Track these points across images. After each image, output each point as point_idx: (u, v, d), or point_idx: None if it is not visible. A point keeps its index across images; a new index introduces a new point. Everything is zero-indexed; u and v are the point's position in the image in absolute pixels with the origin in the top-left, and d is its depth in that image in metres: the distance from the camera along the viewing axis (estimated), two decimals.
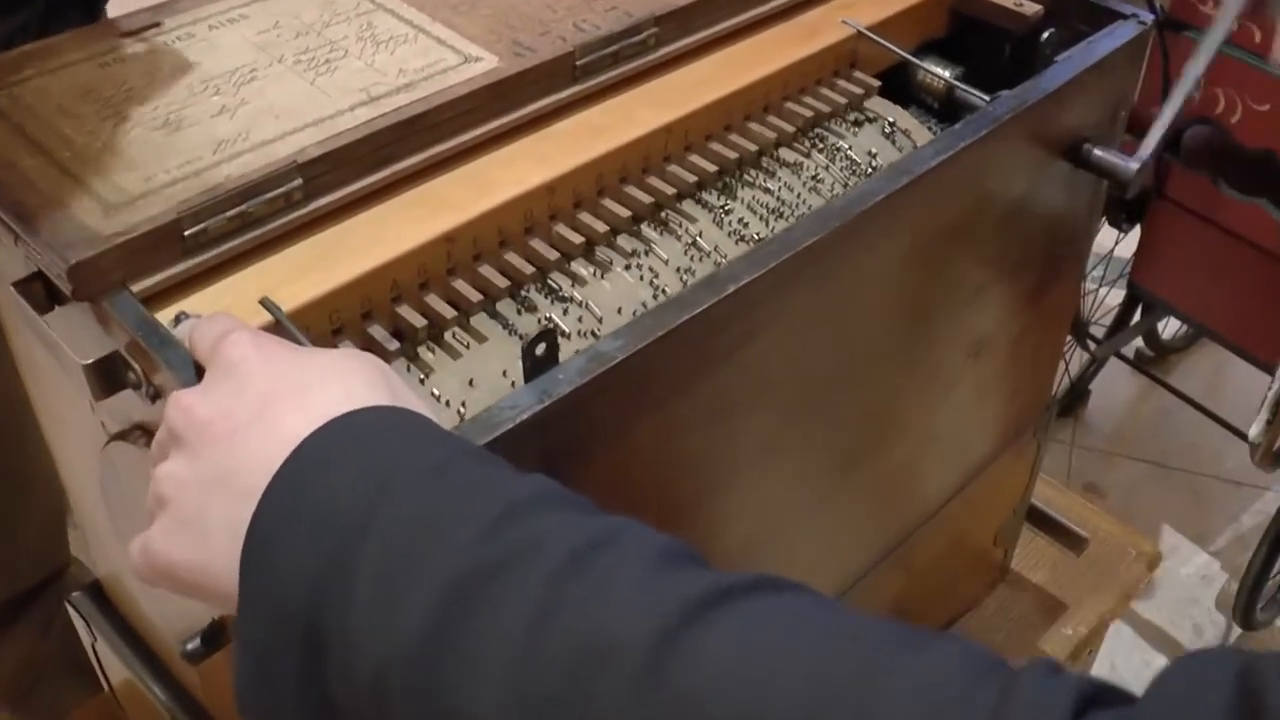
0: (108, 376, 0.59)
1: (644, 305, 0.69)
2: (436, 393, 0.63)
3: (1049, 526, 1.25)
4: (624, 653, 0.38)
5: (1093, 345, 1.87)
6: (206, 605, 0.48)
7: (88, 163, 0.63)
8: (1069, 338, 1.83)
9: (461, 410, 0.63)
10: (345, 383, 0.48)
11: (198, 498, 0.47)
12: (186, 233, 0.60)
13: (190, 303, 0.61)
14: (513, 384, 0.63)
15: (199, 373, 0.53)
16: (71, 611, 0.92)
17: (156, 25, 0.73)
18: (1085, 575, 1.20)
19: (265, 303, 0.60)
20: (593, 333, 0.67)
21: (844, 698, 0.36)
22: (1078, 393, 2.05)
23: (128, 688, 0.95)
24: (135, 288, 0.59)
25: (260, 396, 0.47)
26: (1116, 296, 1.93)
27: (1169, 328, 2.09)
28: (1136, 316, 1.91)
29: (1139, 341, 2.05)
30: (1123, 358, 1.99)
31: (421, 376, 0.64)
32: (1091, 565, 1.21)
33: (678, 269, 0.71)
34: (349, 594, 0.41)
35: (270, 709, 0.44)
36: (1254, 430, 1.49)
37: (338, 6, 0.75)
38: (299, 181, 0.64)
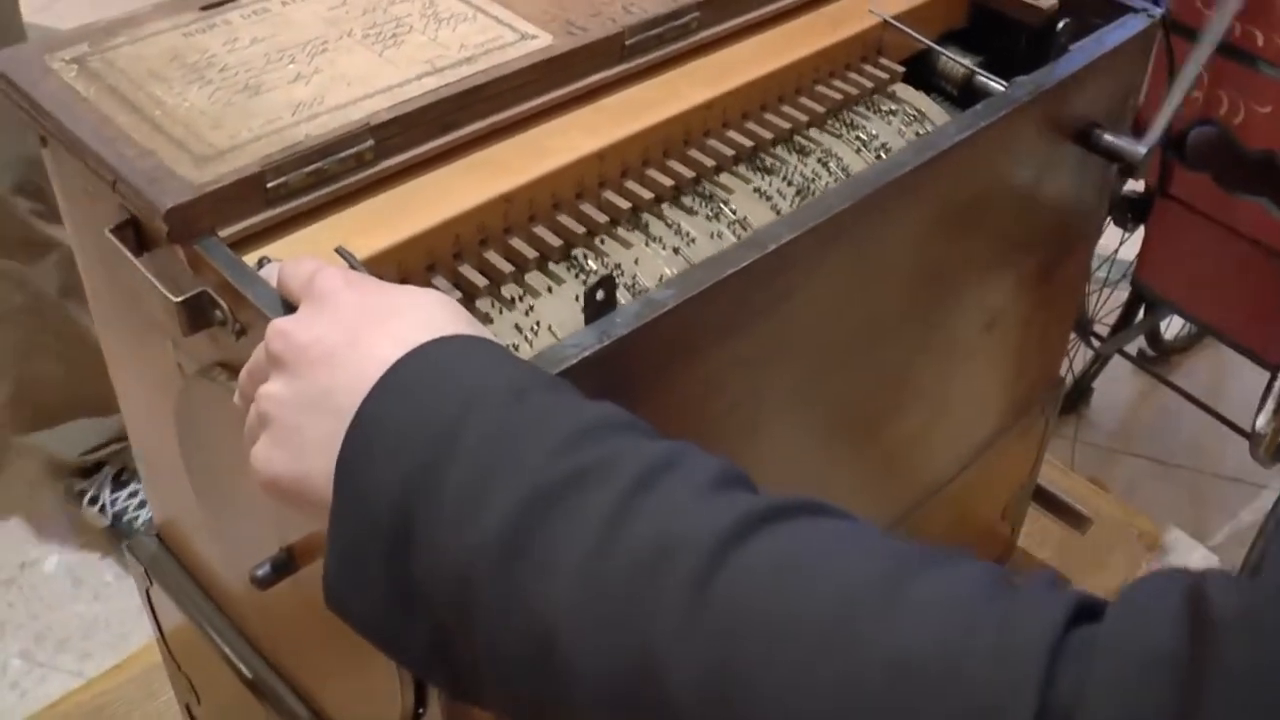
0: (196, 314, 0.64)
1: (683, 267, 0.74)
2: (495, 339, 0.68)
3: (1055, 506, 1.30)
4: (682, 557, 0.43)
5: (1096, 343, 1.91)
6: (305, 515, 0.52)
7: (178, 120, 0.68)
8: (1073, 335, 1.88)
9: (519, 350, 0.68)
10: (429, 312, 0.53)
11: (296, 416, 0.51)
12: (269, 184, 0.65)
13: (271, 249, 0.66)
14: (550, 330, 0.68)
15: (285, 309, 0.58)
16: (128, 556, 0.97)
17: (233, 1, 0.78)
18: (1090, 552, 1.25)
19: (340, 251, 0.65)
20: (636, 292, 0.72)
21: (874, 600, 0.41)
22: (1081, 390, 2.09)
23: (180, 633, 0.99)
24: (222, 234, 0.64)
25: (353, 323, 0.52)
26: (1120, 296, 1.97)
27: (1172, 327, 2.13)
28: (1140, 315, 1.95)
29: (1142, 340, 2.09)
30: (1126, 356, 2.03)
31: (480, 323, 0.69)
32: (1095, 543, 1.26)
33: (712, 234, 0.77)
34: (437, 497, 0.46)
35: (356, 600, 0.49)
36: (1261, 420, 1.53)
37: None
38: (371, 142, 0.69)
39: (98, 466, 1.66)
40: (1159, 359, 2.14)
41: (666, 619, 0.42)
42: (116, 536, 1.68)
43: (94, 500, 1.68)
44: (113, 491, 1.67)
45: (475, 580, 0.45)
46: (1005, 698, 0.37)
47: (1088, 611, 0.39)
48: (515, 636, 0.45)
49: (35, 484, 1.77)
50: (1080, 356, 2.02)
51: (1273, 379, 1.66)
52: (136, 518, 1.66)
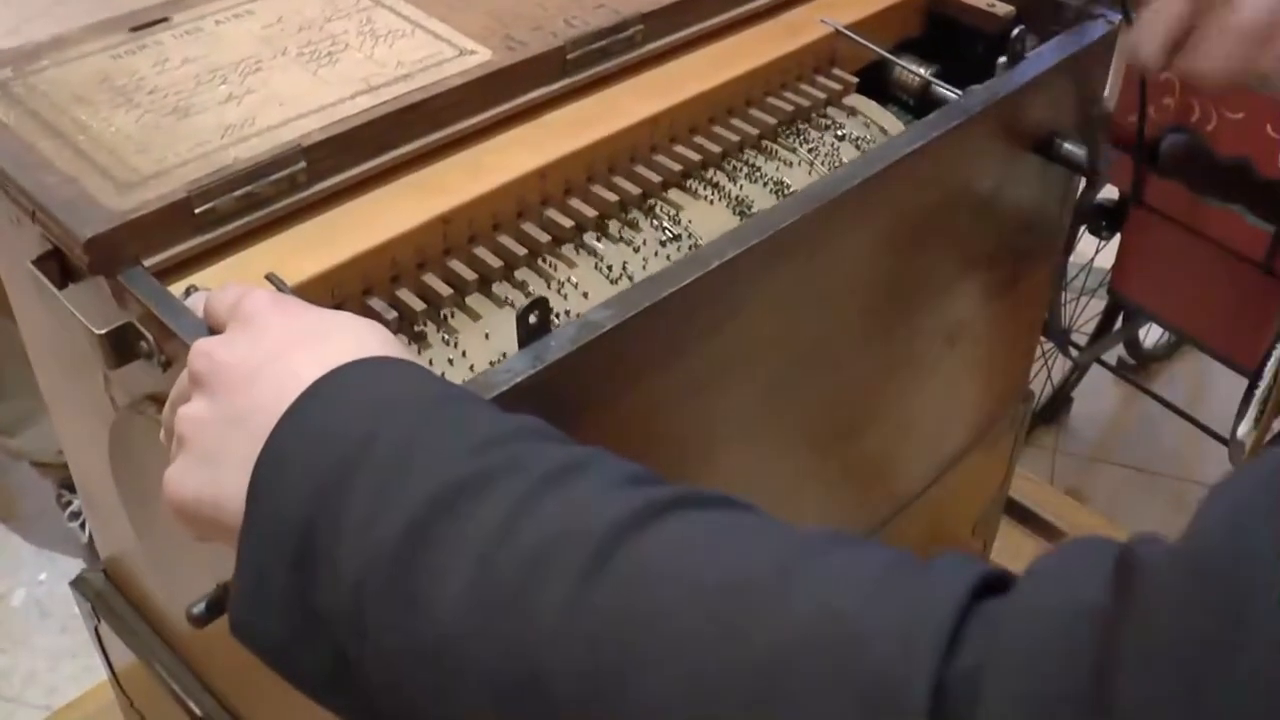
0: (121, 347, 0.62)
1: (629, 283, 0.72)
2: (432, 366, 0.66)
3: (1028, 520, 1.28)
4: (573, 547, 0.41)
5: (1075, 353, 1.90)
6: (219, 544, 0.50)
7: (101, 146, 0.66)
8: (1051, 345, 1.87)
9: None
10: (356, 336, 0.51)
11: (215, 436, 0.49)
12: (197, 210, 0.64)
13: (199, 277, 0.64)
14: (503, 356, 0.66)
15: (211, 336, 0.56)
16: (75, 594, 0.95)
17: (165, 20, 0.76)
18: None
19: (271, 278, 0.63)
20: (579, 313, 0.71)
21: (767, 582, 0.39)
22: (1060, 400, 2.08)
23: (131, 671, 0.97)
24: (147, 262, 0.62)
25: (277, 344, 0.50)
26: (1098, 305, 1.96)
27: (1150, 335, 2.12)
28: (1118, 324, 1.94)
29: (1121, 349, 2.08)
30: (1105, 365, 2.02)
31: (418, 350, 0.67)
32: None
33: (661, 254, 0.75)
34: (341, 508, 0.44)
35: (261, 625, 0.47)
36: (1243, 428, 1.51)
37: (338, 3, 0.79)
38: (303, 164, 0.67)
39: None
40: (1138, 367, 2.13)
41: (551, 610, 0.40)
42: (93, 554, 1.66)
43: (75, 515, 1.67)
44: None
45: (370, 590, 0.43)
46: (900, 672, 0.35)
47: (999, 583, 0.38)
48: (408, 645, 0.43)
49: (16, 494, 1.76)
50: (1059, 366, 2.01)
51: (1252, 386, 1.65)
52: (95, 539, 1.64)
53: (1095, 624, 0.34)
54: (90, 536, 1.66)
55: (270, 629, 0.46)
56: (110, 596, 0.93)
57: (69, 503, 1.69)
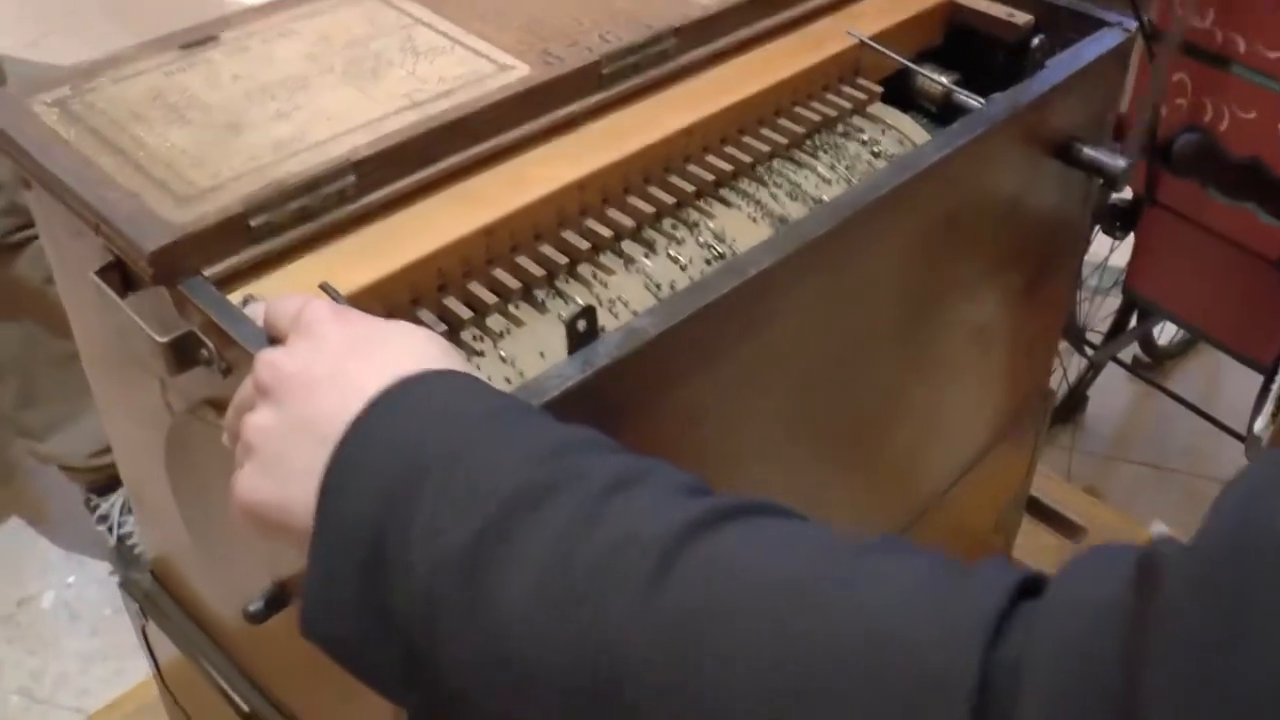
0: (182, 354, 0.64)
1: (670, 290, 0.75)
2: (480, 371, 0.68)
3: (1048, 516, 1.30)
4: (638, 552, 0.43)
5: (1090, 351, 1.91)
6: (286, 546, 0.53)
7: (160, 161, 0.68)
8: (1067, 344, 1.88)
9: (507, 382, 0.68)
10: (415, 346, 0.53)
11: (281, 443, 0.52)
12: (252, 223, 0.66)
13: (256, 287, 0.66)
14: (541, 355, 0.69)
15: (272, 344, 0.58)
16: (123, 595, 0.97)
17: (214, 39, 0.79)
18: None
19: (324, 287, 0.66)
20: (618, 319, 0.73)
21: (823, 583, 0.42)
22: (1076, 398, 2.10)
23: (176, 668, 1.00)
24: (207, 273, 0.65)
25: (338, 354, 0.53)
26: (1112, 303, 1.97)
27: (1165, 333, 2.13)
28: (1132, 322, 1.96)
29: (1135, 347, 2.10)
30: (1120, 363, 2.03)
31: (468, 356, 0.69)
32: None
33: (696, 260, 0.77)
34: (411, 514, 0.47)
35: (333, 625, 0.49)
36: (1259, 423, 1.53)
37: (380, 22, 0.81)
38: (352, 178, 0.69)
39: (113, 483, 1.67)
40: (1153, 365, 2.14)
41: (619, 610, 0.43)
42: (120, 558, 1.69)
43: (104, 519, 1.70)
44: (121, 514, 1.68)
45: (441, 594, 0.46)
46: (948, 664, 0.38)
47: (1037, 586, 0.40)
48: (479, 647, 0.45)
49: (44, 497, 1.78)
50: (1074, 365, 2.03)
51: (1268, 382, 1.66)
52: (139, 544, 1.67)
53: (1121, 619, 0.36)
54: (118, 540, 1.69)
55: (342, 629, 0.48)
56: (158, 596, 0.95)
57: (97, 506, 1.71)
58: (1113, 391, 2.16)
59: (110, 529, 1.70)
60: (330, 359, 0.53)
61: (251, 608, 0.71)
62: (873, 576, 0.42)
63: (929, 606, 0.40)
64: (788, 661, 0.40)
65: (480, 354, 0.69)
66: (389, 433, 0.49)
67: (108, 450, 1.60)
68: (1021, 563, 0.42)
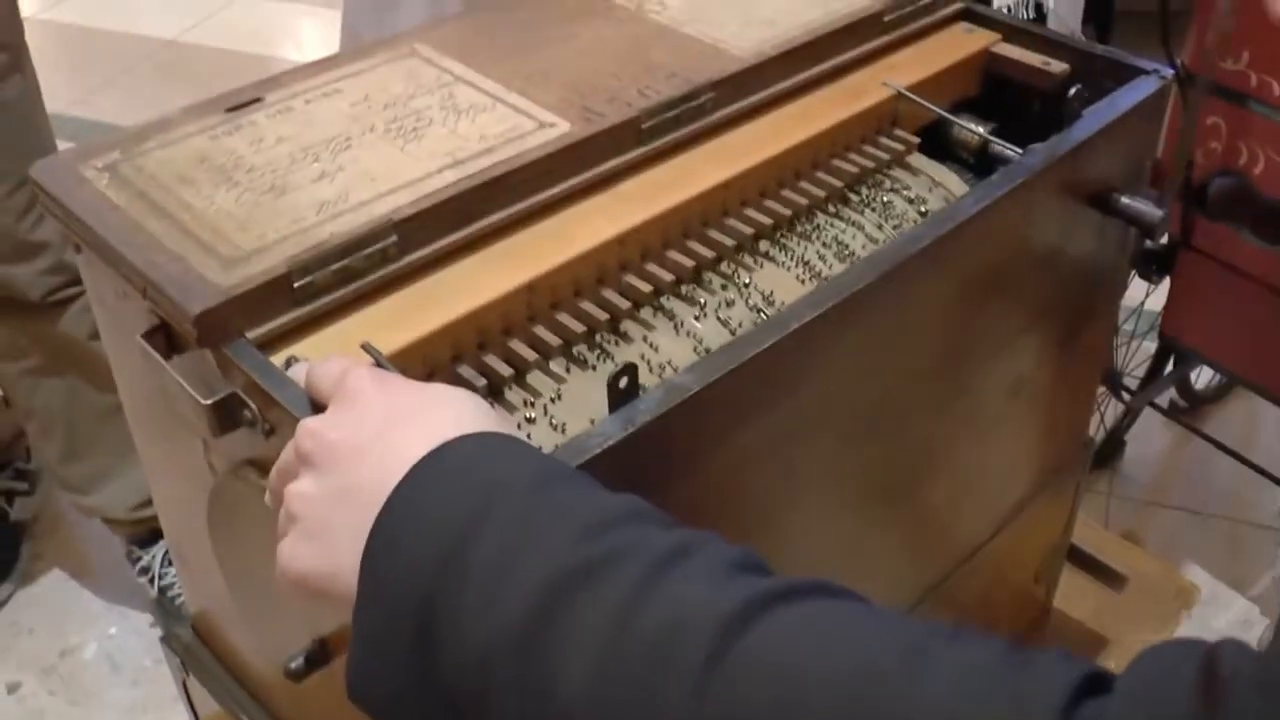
0: (225, 416, 0.65)
1: (705, 347, 0.75)
2: (520, 428, 0.69)
3: (1090, 566, 1.29)
4: (691, 638, 0.43)
5: (1127, 396, 1.90)
6: (331, 610, 0.53)
7: (206, 224, 0.69)
8: (1103, 389, 1.87)
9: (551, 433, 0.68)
10: (457, 410, 0.53)
11: (325, 511, 0.52)
12: (296, 284, 0.67)
13: (298, 348, 0.67)
14: (590, 420, 0.69)
15: (314, 408, 0.59)
16: (164, 649, 0.98)
17: (259, 100, 0.80)
18: (1127, 610, 1.24)
19: (366, 347, 0.66)
20: (660, 375, 0.73)
21: (888, 675, 0.41)
22: (1114, 444, 2.08)
23: None
24: (250, 335, 0.65)
25: (381, 421, 0.53)
26: (1149, 348, 1.96)
27: (1202, 377, 2.12)
28: (1169, 367, 1.95)
29: (1172, 392, 2.08)
30: (1157, 408, 2.02)
31: (506, 416, 0.69)
32: (1133, 601, 1.25)
33: (734, 315, 0.77)
34: (459, 585, 0.47)
35: (381, 688, 0.49)
36: None
37: (421, 80, 0.82)
38: (394, 238, 0.70)
39: (155, 535, 1.68)
40: (1190, 410, 2.12)
41: (675, 703, 0.42)
42: (161, 610, 1.69)
43: (145, 570, 1.71)
44: (162, 566, 1.69)
45: (494, 666, 0.46)
46: None
47: (1100, 683, 0.40)
48: None
49: (87, 549, 1.79)
50: (1111, 410, 2.01)
51: None
52: (180, 595, 1.68)
53: None
54: (159, 591, 1.70)
55: (390, 693, 0.48)
56: (198, 651, 0.95)
57: (139, 558, 1.72)
58: (1150, 437, 2.14)
59: (151, 580, 1.71)
60: (372, 427, 0.53)
61: (293, 665, 0.71)
62: (940, 666, 0.41)
63: (996, 706, 0.39)
64: None
65: (518, 409, 0.69)
66: (431, 499, 0.49)
67: (149, 503, 1.61)
68: (1079, 656, 0.42)
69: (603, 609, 0.45)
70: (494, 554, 0.47)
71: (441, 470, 0.50)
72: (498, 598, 0.46)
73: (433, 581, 0.47)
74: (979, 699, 0.39)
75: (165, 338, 0.69)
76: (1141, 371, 1.97)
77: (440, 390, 0.56)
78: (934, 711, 0.40)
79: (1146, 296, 1.88)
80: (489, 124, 0.78)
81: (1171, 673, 0.38)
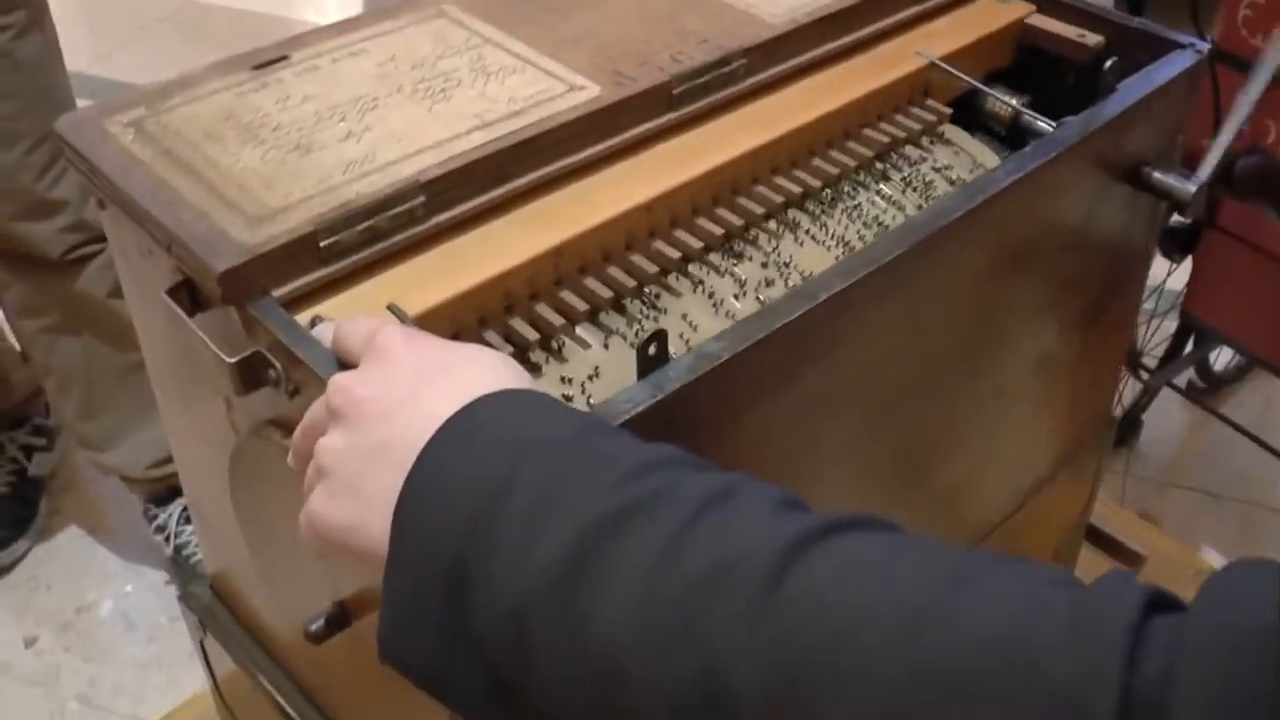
0: (249, 375, 0.64)
1: (731, 316, 0.74)
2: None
3: (1108, 545, 1.28)
4: (742, 571, 0.43)
5: (1145, 375, 1.89)
6: (357, 569, 0.52)
7: (231, 181, 0.69)
8: (1122, 368, 1.86)
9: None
10: (488, 369, 0.53)
11: (355, 467, 0.52)
12: (322, 244, 0.66)
13: (323, 308, 0.66)
14: (595, 373, 0.68)
15: (340, 367, 0.58)
16: (182, 607, 0.98)
17: (285, 58, 0.79)
18: None
19: (392, 308, 0.66)
20: (687, 342, 0.72)
21: (941, 596, 0.41)
22: (1131, 423, 2.07)
23: (233, 683, 1.00)
24: (275, 293, 0.65)
25: (412, 378, 0.52)
26: (1169, 327, 1.95)
27: (1221, 358, 2.11)
28: (1189, 347, 1.94)
29: (1191, 372, 2.07)
30: (1175, 388, 2.01)
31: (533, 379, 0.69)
32: (1149, 581, 1.24)
33: (764, 284, 0.76)
34: (494, 538, 0.46)
35: (413, 649, 0.49)
36: None
37: (450, 41, 0.81)
38: (422, 199, 0.69)
39: (172, 494, 1.69)
40: (1209, 390, 2.11)
41: (729, 631, 0.42)
42: (177, 568, 1.70)
43: (161, 529, 1.71)
44: (179, 524, 1.70)
45: (531, 615, 0.45)
46: (1087, 684, 0.37)
47: (1165, 602, 0.39)
48: (574, 668, 0.45)
49: (104, 506, 1.80)
50: (1129, 389, 2.00)
51: None
52: (195, 554, 1.68)
53: (1272, 645, 0.35)
54: (175, 549, 1.71)
55: (423, 654, 0.48)
56: (216, 610, 0.95)
57: (155, 516, 1.73)
58: (1168, 416, 2.13)
59: (167, 539, 1.72)
60: (404, 384, 0.53)
61: (313, 627, 0.71)
62: (989, 589, 0.41)
63: (1055, 620, 0.39)
64: (912, 680, 0.39)
65: (544, 375, 0.69)
66: (464, 455, 0.49)
67: (166, 461, 1.62)
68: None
69: (647, 545, 0.44)
70: (527, 507, 0.46)
71: (473, 428, 0.50)
72: (532, 547, 0.45)
73: (465, 539, 0.47)
74: (1039, 619, 0.39)
75: (189, 295, 0.68)
76: (1161, 351, 1.96)
77: (471, 349, 0.56)
78: (989, 633, 0.39)
79: (1168, 275, 1.87)
80: (518, 86, 0.77)
81: (1256, 590, 0.37)
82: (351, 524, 0.52)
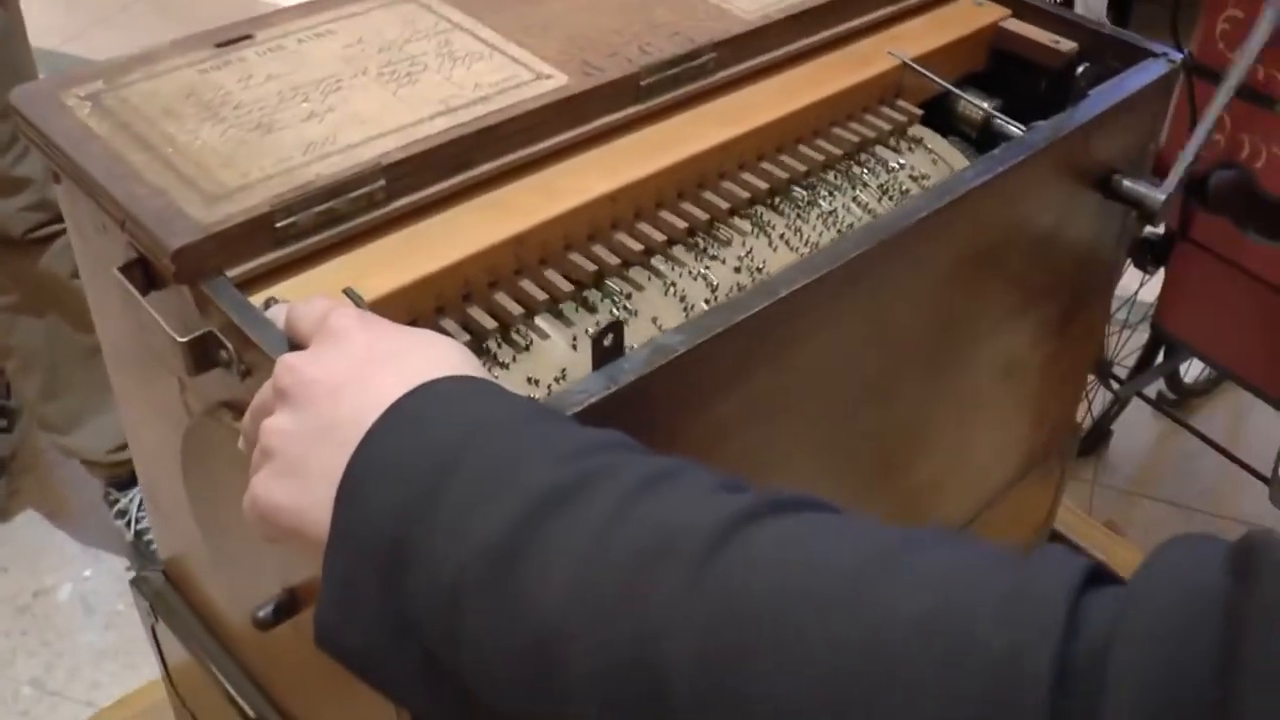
0: (201, 355, 0.63)
1: (693, 311, 0.74)
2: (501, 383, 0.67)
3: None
4: (681, 545, 0.42)
5: (1116, 385, 1.90)
6: (300, 553, 0.52)
7: (189, 158, 0.68)
8: (1092, 377, 1.87)
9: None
10: (440, 353, 0.52)
11: (301, 448, 0.51)
12: (278, 224, 0.65)
13: (279, 290, 0.65)
14: (563, 373, 0.68)
15: (292, 349, 0.57)
16: (134, 591, 0.96)
17: (249, 37, 0.78)
18: None
19: (349, 292, 0.65)
20: (649, 336, 0.72)
21: (879, 569, 0.40)
22: (1100, 432, 2.08)
23: (185, 670, 0.99)
24: (230, 273, 0.64)
25: (362, 360, 0.52)
26: (1140, 338, 1.96)
27: (1191, 370, 2.12)
28: (1159, 358, 1.94)
29: (1161, 383, 2.08)
30: (1145, 399, 2.01)
31: (489, 368, 0.68)
32: None
33: (727, 279, 0.76)
34: (433, 521, 0.46)
35: (349, 634, 0.48)
36: None
37: (418, 25, 0.81)
38: (382, 183, 0.68)
39: (133, 478, 1.67)
40: (1178, 402, 2.12)
41: (664, 601, 0.41)
42: (137, 553, 1.69)
43: (122, 513, 1.70)
44: (140, 509, 1.68)
45: (468, 595, 0.44)
46: (1020, 657, 0.36)
47: (1106, 576, 0.39)
48: (509, 647, 0.44)
49: (65, 490, 1.78)
50: (1099, 398, 2.01)
51: None
52: (155, 540, 1.67)
53: (1218, 609, 0.35)
54: (135, 535, 1.69)
55: (358, 636, 0.47)
56: (168, 596, 0.94)
57: (115, 501, 1.71)
58: (1137, 427, 2.14)
59: (128, 524, 1.70)
60: (353, 366, 0.52)
61: (261, 613, 0.70)
62: (927, 562, 0.40)
63: (992, 591, 0.38)
64: (846, 651, 0.38)
65: (503, 366, 0.68)
66: (409, 437, 0.48)
67: (128, 445, 1.60)
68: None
69: (584, 523, 0.44)
70: (467, 489, 0.46)
71: (419, 411, 0.49)
72: (470, 528, 0.45)
73: (404, 522, 0.46)
74: (978, 593, 0.38)
75: (143, 273, 0.67)
76: (1132, 361, 1.97)
77: (425, 335, 0.55)
78: (926, 606, 0.38)
79: (1140, 286, 1.88)
80: (485, 73, 0.76)
81: (1198, 558, 0.37)
82: (295, 507, 0.51)
